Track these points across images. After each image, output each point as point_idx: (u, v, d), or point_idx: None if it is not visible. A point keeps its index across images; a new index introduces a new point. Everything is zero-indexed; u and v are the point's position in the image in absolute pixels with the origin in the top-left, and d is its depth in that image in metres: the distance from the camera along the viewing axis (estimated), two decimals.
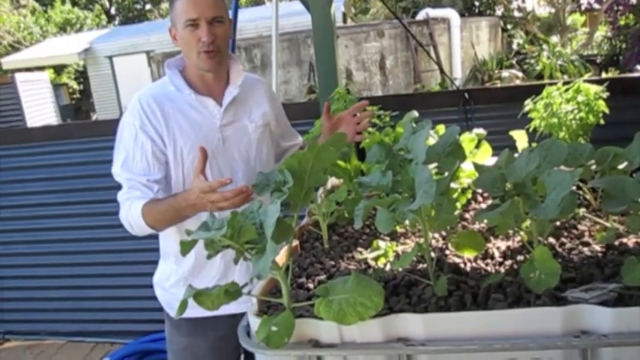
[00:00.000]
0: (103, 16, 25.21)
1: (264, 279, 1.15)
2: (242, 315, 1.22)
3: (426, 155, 1.24)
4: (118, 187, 1.82)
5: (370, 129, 2.11)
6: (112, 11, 26.62)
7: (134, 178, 1.75)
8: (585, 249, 1.31)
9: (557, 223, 1.47)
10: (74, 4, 24.59)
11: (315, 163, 1.18)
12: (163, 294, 1.98)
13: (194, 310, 1.15)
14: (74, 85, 20.05)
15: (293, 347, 1.07)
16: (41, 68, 16.98)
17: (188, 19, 1.73)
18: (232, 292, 1.11)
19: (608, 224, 1.42)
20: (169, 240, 1.90)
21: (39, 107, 13.84)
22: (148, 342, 3.52)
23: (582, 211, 1.54)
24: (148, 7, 26.51)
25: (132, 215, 1.73)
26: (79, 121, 13.74)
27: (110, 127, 3.58)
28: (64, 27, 22.66)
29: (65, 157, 3.77)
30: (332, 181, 2.03)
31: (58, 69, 19.36)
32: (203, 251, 1.20)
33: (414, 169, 1.20)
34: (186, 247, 1.11)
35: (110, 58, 15.96)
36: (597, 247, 1.31)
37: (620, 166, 1.36)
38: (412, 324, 1.05)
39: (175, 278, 1.91)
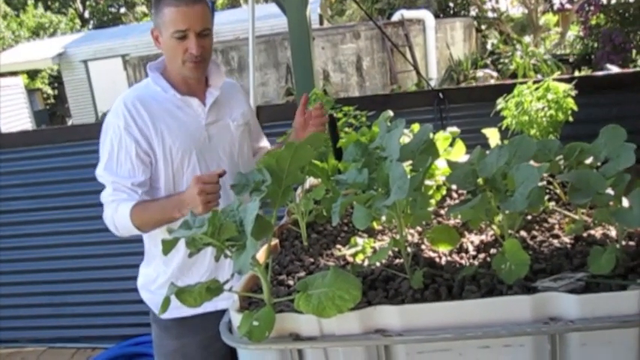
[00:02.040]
0: (77, 20, 24.90)
1: (244, 274, 1.18)
2: None
3: (400, 153, 1.27)
4: (98, 191, 1.82)
5: (347, 129, 2.15)
6: (86, 15, 26.29)
7: (119, 182, 1.77)
8: (555, 241, 1.35)
9: (529, 217, 1.51)
10: (47, 8, 24.27)
11: (292, 161, 1.22)
12: (151, 297, 1.98)
13: (183, 310, 1.17)
14: (48, 90, 19.77)
15: (274, 341, 1.10)
16: (14, 73, 16.72)
17: (177, 30, 1.75)
18: (214, 288, 1.14)
19: (576, 217, 1.46)
20: (157, 242, 1.89)
21: (13, 113, 13.67)
22: (131, 346, 3.52)
23: (552, 204, 1.59)
24: (122, 10, 26.26)
25: (119, 217, 1.75)
26: (57, 126, 13.58)
27: (88, 132, 3.58)
28: (37, 31, 22.36)
29: (43, 162, 3.72)
30: (310, 180, 2.06)
31: (32, 74, 19.09)
32: None
33: (388, 166, 1.23)
34: (168, 246, 1.14)
35: (85, 62, 15.81)
36: (566, 239, 1.36)
37: (587, 161, 1.41)
38: (389, 315, 1.08)
39: (164, 279, 1.92)
